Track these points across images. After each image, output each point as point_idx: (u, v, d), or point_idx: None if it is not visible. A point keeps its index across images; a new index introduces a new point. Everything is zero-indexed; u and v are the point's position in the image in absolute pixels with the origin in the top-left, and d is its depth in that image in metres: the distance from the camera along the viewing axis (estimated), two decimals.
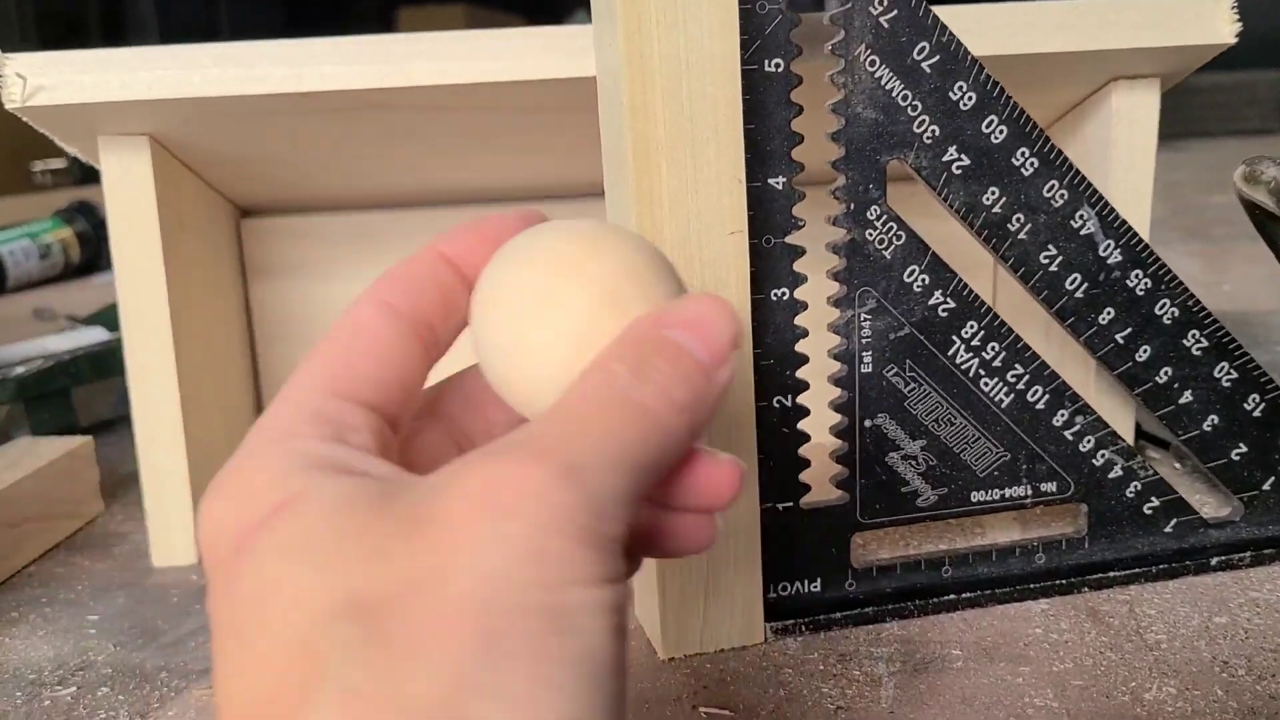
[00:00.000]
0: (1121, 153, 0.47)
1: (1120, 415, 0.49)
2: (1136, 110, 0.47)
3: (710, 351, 0.23)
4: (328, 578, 0.20)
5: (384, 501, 0.21)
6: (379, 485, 0.21)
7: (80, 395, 0.66)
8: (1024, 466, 0.41)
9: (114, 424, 0.68)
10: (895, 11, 0.37)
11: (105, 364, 0.67)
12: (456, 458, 0.22)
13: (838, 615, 0.40)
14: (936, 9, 0.37)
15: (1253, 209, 0.46)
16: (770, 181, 0.37)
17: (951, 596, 0.41)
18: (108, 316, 0.82)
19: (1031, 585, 0.42)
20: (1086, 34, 0.44)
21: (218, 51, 0.41)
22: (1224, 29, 0.45)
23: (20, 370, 0.63)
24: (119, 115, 0.43)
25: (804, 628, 0.40)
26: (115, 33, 2.68)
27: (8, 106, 0.42)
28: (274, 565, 0.20)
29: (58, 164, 1.77)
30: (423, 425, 0.27)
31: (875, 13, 0.37)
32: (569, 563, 0.20)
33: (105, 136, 0.45)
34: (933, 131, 0.38)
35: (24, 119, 0.43)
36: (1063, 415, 0.41)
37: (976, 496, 0.41)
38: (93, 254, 1.28)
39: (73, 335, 0.76)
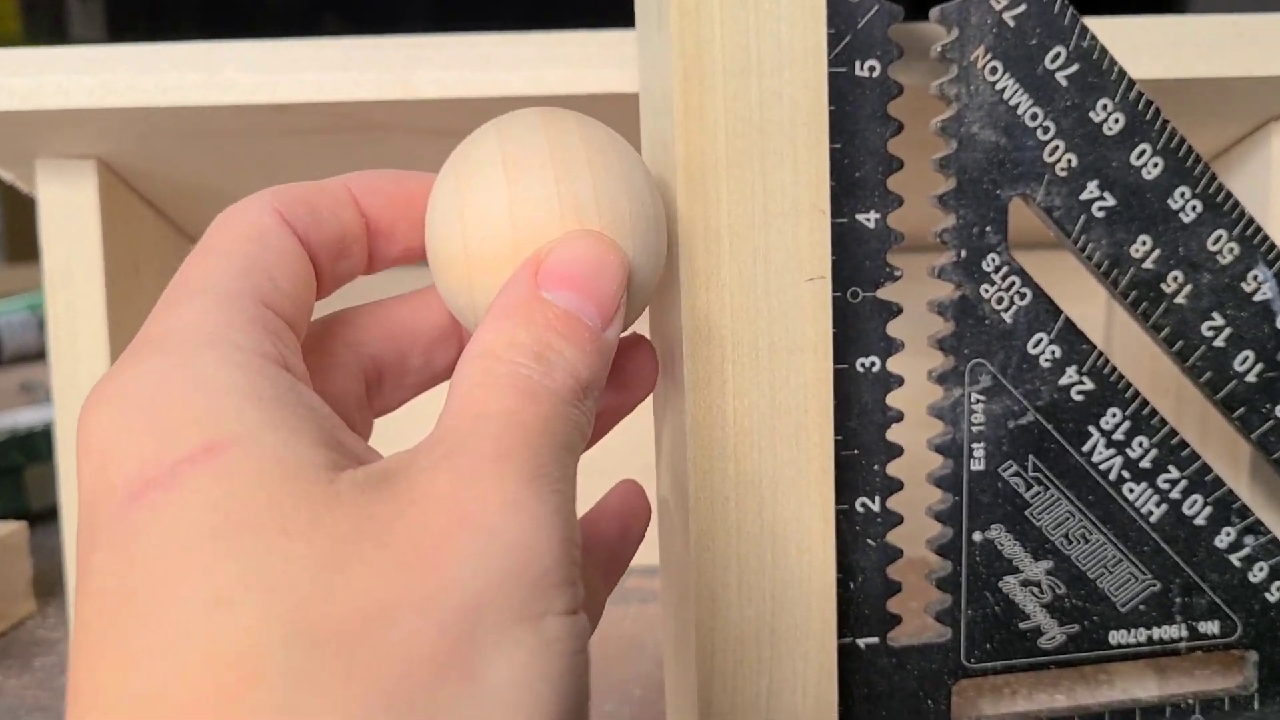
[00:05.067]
0: None
1: None
2: None
3: (602, 312, 0.22)
4: (273, 579, 0.16)
5: (330, 479, 0.18)
6: (322, 453, 0.18)
7: (35, 475, 0.58)
8: (1178, 600, 0.32)
9: None
10: (1024, 6, 0.29)
11: None
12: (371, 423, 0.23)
13: None
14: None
15: None
16: (859, 218, 0.29)
17: None
18: None
19: None
20: (1247, 58, 0.35)
21: (178, 53, 0.34)
22: None
23: None
24: (60, 130, 0.36)
25: None
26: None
27: None
28: (197, 541, 0.17)
29: None
30: (333, 350, 0.24)
31: (998, 7, 0.29)
32: (549, 587, 0.18)
33: (44, 159, 0.37)
34: (1068, 161, 0.30)
35: None
36: (1228, 534, 0.32)
37: (1116, 638, 0.32)
38: None
39: (43, 409, 0.68)
